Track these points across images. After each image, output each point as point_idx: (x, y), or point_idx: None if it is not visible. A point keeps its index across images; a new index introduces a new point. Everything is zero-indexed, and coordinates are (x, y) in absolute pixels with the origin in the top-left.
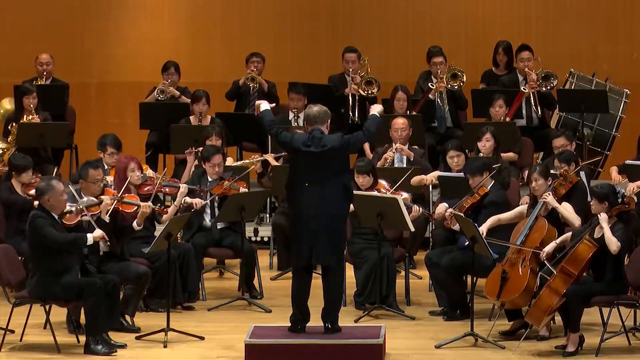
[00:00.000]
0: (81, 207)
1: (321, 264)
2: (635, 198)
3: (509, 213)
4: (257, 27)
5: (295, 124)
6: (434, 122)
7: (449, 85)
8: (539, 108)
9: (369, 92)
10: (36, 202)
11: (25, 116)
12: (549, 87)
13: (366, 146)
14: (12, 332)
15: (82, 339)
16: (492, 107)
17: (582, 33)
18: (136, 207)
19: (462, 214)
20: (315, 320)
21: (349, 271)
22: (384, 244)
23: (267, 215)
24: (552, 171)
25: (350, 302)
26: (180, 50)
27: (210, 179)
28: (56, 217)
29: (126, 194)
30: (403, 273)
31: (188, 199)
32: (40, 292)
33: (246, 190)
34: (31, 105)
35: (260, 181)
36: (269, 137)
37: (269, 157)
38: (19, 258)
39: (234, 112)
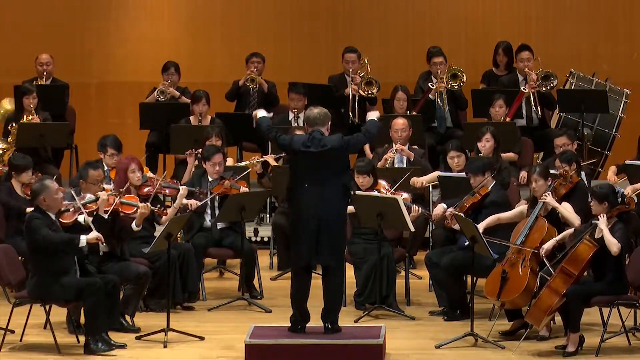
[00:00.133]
0: (78, 205)
1: (321, 264)
2: (635, 198)
3: (509, 212)
4: (257, 27)
5: (295, 124)
6: (434, 122)
7: (449, 86)
8: (539, 108)
9: (369, 92)
10: (29, 209)
11: (25, 116)
12: (549, 87)
13: (366, 146)
14: (12, 332)
15: (82, 339)
16: (492, 107)
17: (582, 33)
18: (135, 208)
19: (462, 214)
20: (315, 320)
21: (349, 271)
22: (384, 244)
23: (267, 215)
24: (552, 171)
25: (350, 302)
26: (180, 50)
27: (210, 179)
28: (53, 216)
29: (126, 195)
30: (403, 273)
31: (184, 200)
32: (39, 292)
33: (247, 189)
34: (31, 106)
35: (261, 181)
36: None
37: (269, 159)
38: (19, 258)
39: (234, 112)
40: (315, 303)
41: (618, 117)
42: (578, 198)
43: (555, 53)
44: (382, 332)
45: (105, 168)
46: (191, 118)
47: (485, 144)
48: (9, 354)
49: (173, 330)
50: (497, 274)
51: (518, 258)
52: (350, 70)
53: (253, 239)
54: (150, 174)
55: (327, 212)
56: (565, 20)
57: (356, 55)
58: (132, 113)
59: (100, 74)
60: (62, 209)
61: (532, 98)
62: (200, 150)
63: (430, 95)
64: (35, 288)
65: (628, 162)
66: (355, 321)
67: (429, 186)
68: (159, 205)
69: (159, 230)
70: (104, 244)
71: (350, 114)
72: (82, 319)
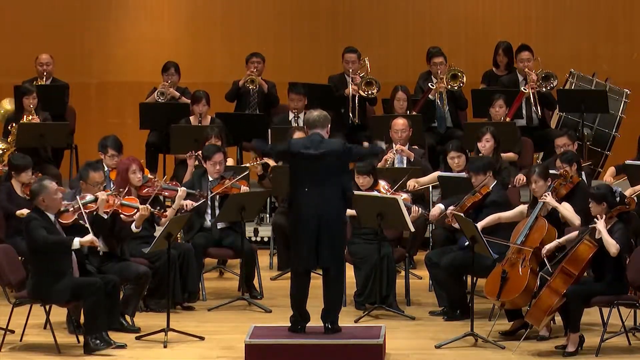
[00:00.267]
0: (77, 205)
1: (322, 266)
2: (635, 199)
3: (510, 212)
4: (257, 27)
5: (295, 124)
6: (434, 122)
7: (449, 86)
8: (539, 108)
9: (369, 92)
10: (20, 212)
11: (25, 116)
12: (549, 88)
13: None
14: (12, 332)
15: (82, 339)
16: (492, 107)
17: (582, 33)
18: (135, 210)
19: (462, 214)
20: (315, 320)
21: (349, 271)
22: (384, 244)
23: (267, 215)
24: (552, 171)
25: (350, 302)
26: (180, 50)
27: (211, 178)
28: (52, 217)
29: (126, 196)
30: (403, 273)
31: (181, 201)
32: (39, 293)
33: (247, 189)
34: (31, 106)
35: (261, 183)
36: (269, 138)
37: (269, 160)
38: (19, 258)
39: (234, 112)
40: (315, 303)
41: (618, 117)
42: (579, 198)
43: (555, 53)
44: (382, 332)
45: (106, 169)
46: (191, 118)
47: (485, 144)
48: (9, 354)
49: (173, 330)
50: (497, 274)
51: (518, 258)
52: (350, 70)
53: (253, 239)
54: (150, 175)
55: (327, 212)
56: (565, 20)
57: (356, 55)
58: (132, 113)
59: (100, 74)
60: (62, 209)
61: (532, 98)
62: (200, 152)
63: (430, 96)
64: (35, 288)
65: (628, 162)
66: (355, 321)
67: (429, 186)
68: (158, 207)
69: (159, 230)
70: (99, 248)
71: (350, 114)
72: (82, 319)
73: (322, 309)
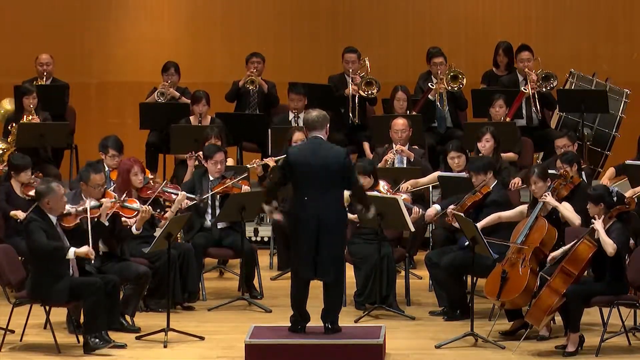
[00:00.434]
0: (82, 208)
1: (320, 280)
2: (635, 199)
3: (510, 212)
4: (257, 27)
5: (295, 124)
6: (434, 122)
7: (449, 87)
8: (539, 108)
9: (369, 92)
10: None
11: (25, 116)
12: (549, 88)
13: (366, 147)
14: (12, 332)
15: (82, 339)
16: (492, 107)
17: (582, 33)
18: (136, 212)
19: (462, 214)
20: (315, 320)
21: (349, 271)
22: (384, 244)
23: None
24: (552, 171)
25: (350, 302)
26: (180, 50)
27: (211, 178)
28: (54, 219)
29: (127, 198)
30: (403, 273)
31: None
32: (39, 293)
33: (249, 189)
34: (31, 106)
35: (262, 184)
36: (269, 138)
37: (270, 161)
38: (19, 258)
39: (234, 112)
40: (315, 303)
41: (618, 117)
42: (580, 199)
43: (555, 53)
44: (382, 332)
45: (106, 169)
46: (191, 118)
47: (485, 144)
48: (9, 354)
49: (173, 330)
50: (497, 274)
51: (518, 258)
52: (350, 70)
53: (253, 238)
54: (151, 176)
55: (327, 215)
56: (565, 20)
57: (356, 55)
58: (132, 113)
59: (100, 74)
60: (64, 212)
61: (532, 98)
62: (199, 152)
63: (430, 96)
64: (35, 288)
65: (628, 162)
66: (355, 321)
67: (429, 186)
68: (158, 210)
69: (159, 230)
70: (92, 262)
71: (350, 114)
72: (82, 319)
73: (322, 309)
